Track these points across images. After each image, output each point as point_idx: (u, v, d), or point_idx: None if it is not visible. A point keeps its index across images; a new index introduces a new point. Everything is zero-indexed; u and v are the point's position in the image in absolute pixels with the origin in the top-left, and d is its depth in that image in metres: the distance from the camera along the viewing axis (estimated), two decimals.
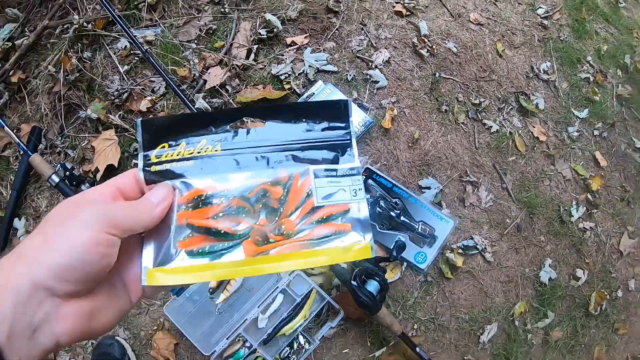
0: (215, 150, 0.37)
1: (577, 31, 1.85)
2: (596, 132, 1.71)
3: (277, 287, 1.30)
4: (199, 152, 0.37)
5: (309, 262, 0.36)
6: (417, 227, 1.36)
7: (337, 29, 1.58)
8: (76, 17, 1.42)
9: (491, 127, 1.56)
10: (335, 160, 0.39)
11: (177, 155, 0.37)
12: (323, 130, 0.39)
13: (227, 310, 1.29)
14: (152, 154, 0.36)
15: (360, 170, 0.39)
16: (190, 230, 0.35)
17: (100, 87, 1.43)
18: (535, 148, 1.61)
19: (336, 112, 0.39)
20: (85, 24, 1.43)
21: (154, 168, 0.36)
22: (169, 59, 1.48)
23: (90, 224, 0.30)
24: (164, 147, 0.37)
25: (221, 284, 1.29)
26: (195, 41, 1.53)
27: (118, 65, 1.46)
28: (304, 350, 1.26)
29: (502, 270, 1.47)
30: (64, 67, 1.38)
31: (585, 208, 1.60)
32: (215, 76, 1.49)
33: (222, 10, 1.57)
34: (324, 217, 0.37)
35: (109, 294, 0.33)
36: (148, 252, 0.35)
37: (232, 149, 0.37)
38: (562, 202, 1.58)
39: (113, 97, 1.42)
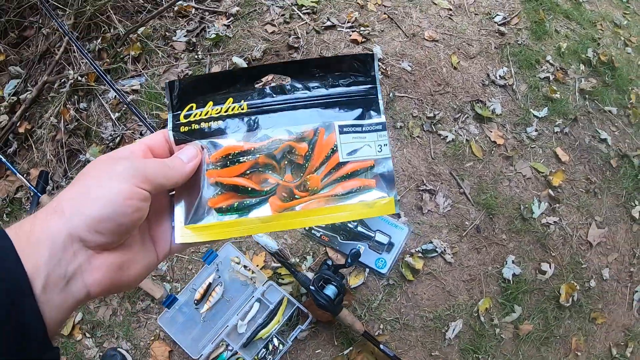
0: (242, 109, 0.37)
1: (535, 33, 1.92)
2: (557, 129, 1.77)
3: (253, 297, 1.48)
4: (225, 112, 0.37)
5: (334, 217, 0.37)
6: (373, 236, 1.49)
7: None
8: (71, 72, 1.68)
9: (447, 137, 1.67)
10: (360, 116, 0.38)
11: (205, 115, 0.37)
12: (348, 85, 0.39)
13: (211, 318, 1.47)
14: (181, 114, 0.37)
15: (385, 126, 0.39)
16: (219, 188, 0.37)
17: (96, 133, 1.68)
18: (492, 152, 1.70)
19: (361, 66, 0.39)
20: (79, 77, 1.69)
21: (182, 128, 0.37)
22: (152, 104, 1.70)
23: (124, 177, 0.31)
24: (191, 107, 0.37)
25: (204, 296, 1.48)
26: None
27: (110, 113, 1.70)
28: (278, 350, 1.43)
29: (464, 270, 1.57)
30: (63, 118, 1.64)
31: (547, 204, 1.66)
32: None
33: (196, 56, 1.78)
34: (349, 173, 0.37)
35: (138, 248, 0.34)
36: (179, 211, 0.36)
37: (259, 107, 0.38)
38: (523, 201, 1.66)
39: (107, 142, 1.66)
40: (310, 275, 1.44)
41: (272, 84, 0.43)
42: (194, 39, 1.83)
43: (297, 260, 1.53)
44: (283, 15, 1.86)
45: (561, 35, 1.96)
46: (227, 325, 1.44)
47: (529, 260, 1.62)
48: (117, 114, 1.69)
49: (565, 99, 1.82)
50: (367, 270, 1.52)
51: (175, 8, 1.89)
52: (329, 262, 1.37)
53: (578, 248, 1.66)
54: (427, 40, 1.82)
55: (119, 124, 1.69)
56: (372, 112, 0.39)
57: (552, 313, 1.60)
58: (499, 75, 1.80)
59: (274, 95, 0.38)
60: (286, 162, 0.37)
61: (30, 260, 0.27)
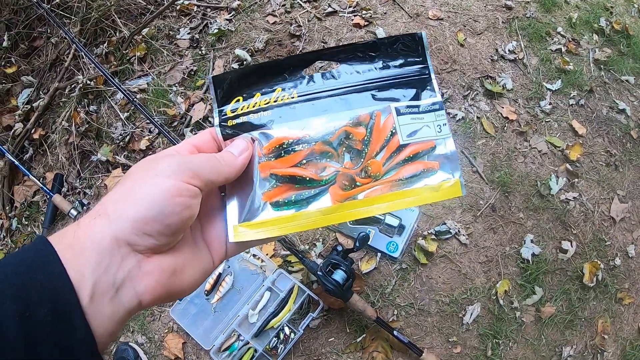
0: (292, 98, 0.36)
1: (544, 5, 1.85)
2: (572, 102, 1.69)
3: (264, 285, 1.47)
4: (275, 101, 0.36)
5: (399, 204, 0.35)
6: (383, 219, 1.46)
7: (300, 51, 1.74)
8: (80, 77, 1.73)
9: (456, 115, 1.62)
10: (416, 97, 0.37)
11: (253, 106, 0.36)
12: (400, 66, 0.38)
13: (222, 309, 1.47)
14: (227, 108, 0.36)
15: (442, 105, 0.38)
16: (274, 180, 0.35)
17: (107, 134, 1.71)
18: (505, 128, 1.63)
19: (411, 46, 0.38)
20: (88, 81, 1.73)
21: (230, 122, 0.36)
22: (160, 102, 1.73)
23: (170, 173, 0.29)
24: (238, 100, 0.36)
25: (215, 286, 1.48)
26: (178, 84, 1.77)
27: (119, 113, 1.73)
28: (290, 339, 1.41)
29: (480, 251, 1.51)
30: (75, 121, 1.68)
31: (566, 179, 1.59)
32: (199, 111, 1.72)
33: (200, 52, 1.80)
34: (411, 156, 0.36)
35: (191, 251, 0.32)
36: (232, 208, 0.35)
37: (309, 94, 0.36)
38: (539, 177, 1.59)
39: (118, 141, 1.70)
40: (320, 261, 1.42)
41: (321, 71, 0.39)
42: (197, 36, 1.85)
43: (307, 247, 1.52)
44: (284, 5, 1.86)
45: (571, 5, 1.88)
46: (238, 315, 1.43)
47: (548, 239, 1.55)
48: (126, 114, 1.72)
49: (579, 70, 1.74)
50: (379, 254, 1.49)
51: (178, 7, 1.92)
52: (339, 248, 1.35)
53: (600, 224, 1.57)
54: (431, 19, 1.78)
55: (128, 123, 1.72)
56: (426, 92, 0.37)
57: (575, 294, 1.52)
58: (508, 50, 1.73)
59: (324, 82, 0.37)
60: (344, 149, 0.36)
61: (75, 268, 0.25)
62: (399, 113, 0.36)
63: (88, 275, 0.25)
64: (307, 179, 0.35)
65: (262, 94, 0.36)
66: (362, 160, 0.35)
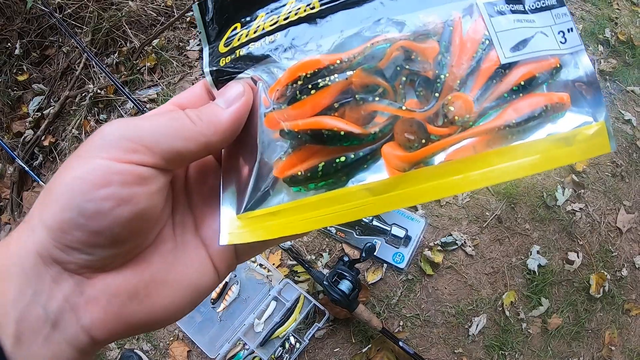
0: (312, 8, 0.23)
1: None
2: None
3: (270, 295, 1.47)
4: (286, 19, 0.23)
5: (507, 172, 0.20)
6: (389, 230, 1.46)
7: None
8: (91, 85, 1.75)
9: None
10: None
11: (254, 32, 0.24)
12: None
13: (227, 317, 1.48)
14: (220, 43, 0.25)
15: (563, 0, 0.23)
16: (289, 141, 0.22)
17: None
18: None
19: None
20: (99, 90, 1.76)
21: (224, 61, 0.24)
22: None
23: (100, 149, 0.19)
24: (235, 28, 0.25)
25: (221, 295, 1.49)
26: None
27: None
28: (295, 349, 1.41)
29: (486, 262, 1.51)
30: (85, 129, 1.71)
31: (572, 190, 1.59)
32: None
33: None
34: (523, 83, 0.21)
35: (171, 261, 0.22)
36: (229, 194, 0.24)
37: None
38: (545, 188, 1.59)
39: None
40: (326, 272, 1.42)
41: None
42: None
43: (313, 257, 1.52)
44: None
45: (576, 17, 1.89)
46: (244, 324, 1.44)
47: (555, 250, 1.54)
48: None
49: None
50: (385, 265, 1.49)
51: (188, 19, 1.95)
52: (345, 259, 1.35)
53: (607, 235, 1.57)
54: None
55: None
56: None
57: (582, 305, 1.51)
58: None
59: None
60: (404, 79, 0.21)
61: None
62: (493, 13, 0.22)
63: (10, 309, 0.18)
64: (343, 133, 0.21)
65: (267, 13, 0.24)
66: (438, 94, 0.21)
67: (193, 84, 1.79)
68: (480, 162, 0.20)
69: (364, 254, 1.35)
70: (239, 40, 0.24)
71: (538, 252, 1.52)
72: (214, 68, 0.24)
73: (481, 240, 1.53)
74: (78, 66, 1.85)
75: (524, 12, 0.22)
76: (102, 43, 1.88)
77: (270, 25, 0.23)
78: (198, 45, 1.91)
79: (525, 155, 0.20)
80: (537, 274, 1.50)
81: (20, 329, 0.18)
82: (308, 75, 0.22)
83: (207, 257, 0.23)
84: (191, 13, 1.94)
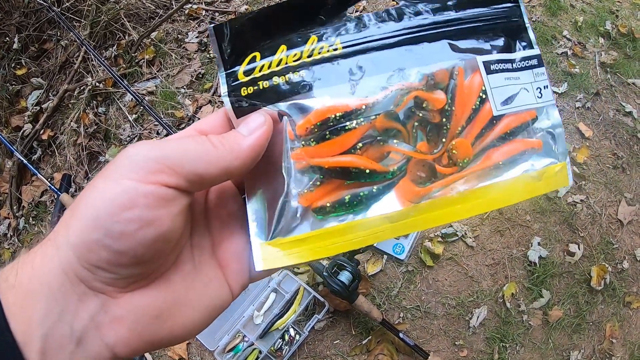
0: (335, 50, 0.25)
1: (550, 9, 1.85)
2: (578, 104, 1.69)
3: (269, 287, 1.46)
4: (309, 56, 0.25)
5: (491, 202, 0.25)
6: None
7: None
8: (89, 79, 1.75)
9: None
10: (507, 48, 0.27)
11: (277, 65, 0.25)
12: (483, 3, 0.27)
13: (227, 309, 1.47)
14: (239, 70, 0.25)
15: (542, 60, 0.28)
16: (316, 175, 0.24)
17: (115, 135, 1.73)
18: None
19: None
20: (97, 84, 1.75)
21: (245, 91, 0.25)
22: (168, 104, 1.74)
23: (127, 171, 0.20)
24: (254, 57, 0.25)
25: None
26: (186, 87, 1.79)
27: (127, 115, 1.75)
28: (295, 341, 1.40)
29: (486, 254, 1.51)
30: (83, 122, 1.70)
31: (573, 181, 1.58)
32: (206, 113, 1.73)
33: (208, 55, 1.82)
34: (507, 132, 0.26)
35: (191, 281, 0.23)
36: (255, 218, 0.24)
37: (359, 44, 0.25)
38: None
39: (126, 143, 1.71)
40: (326, 263, 1.42)
41: (374, 11, 0.30)
42: (205, 39, 1.87)
43: None
44: None
45: (577, 9, 1.88)
46: (243, 316, 1.43)
47: (555, 241, 1.54)
48: (134, 116, 1.74)
49: (585, 73, 1.74)
50: (385, 257, 1.48)
51: (186, 11, 1.94)
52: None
53: (608, 227, 1.56)
54: None
55: (137, 125, 1.73)
56: (519, 42, 0.27)
57: (583, 297, 1.50)
58: None
59: (380, 25, 0.25)
60: (416, 123, 0.25)
61: (21, 320, 0.19)
62: (489, 70, 0.26)
63: (36, 326, 0.19)
64: (367, 171, 0.24)
65: (289, 47, 0.25)
66: (444, 139, 0.25)
67: (192, 76, 1.79)
68: (473, 196, 0.25)
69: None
70: (260, 71, 0.25)
71: (539, 244, 1.52)
72: (234, 98, 0.25)
73: (482, 231, 1.52)
74: (76, 59, 1.85)
75: (512, 69, 0.27)
76: (101, 36, 1.88)
77: (294, 61, 0.25)
78: (197, 37, 1.90)
79: (507, 189, 0.25)
80: (538, 265, 1.49)
81: (46, 346, 0.19)
82: (337, 117, 0.24)
83: (223, 278, 0.25)
84: (189, 5, 1.93)
